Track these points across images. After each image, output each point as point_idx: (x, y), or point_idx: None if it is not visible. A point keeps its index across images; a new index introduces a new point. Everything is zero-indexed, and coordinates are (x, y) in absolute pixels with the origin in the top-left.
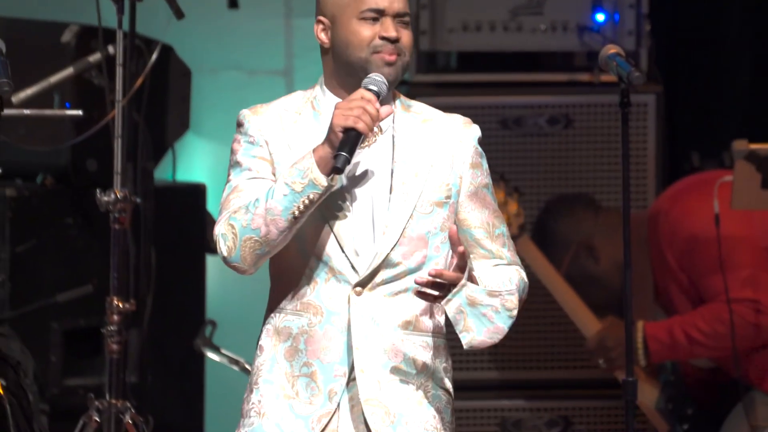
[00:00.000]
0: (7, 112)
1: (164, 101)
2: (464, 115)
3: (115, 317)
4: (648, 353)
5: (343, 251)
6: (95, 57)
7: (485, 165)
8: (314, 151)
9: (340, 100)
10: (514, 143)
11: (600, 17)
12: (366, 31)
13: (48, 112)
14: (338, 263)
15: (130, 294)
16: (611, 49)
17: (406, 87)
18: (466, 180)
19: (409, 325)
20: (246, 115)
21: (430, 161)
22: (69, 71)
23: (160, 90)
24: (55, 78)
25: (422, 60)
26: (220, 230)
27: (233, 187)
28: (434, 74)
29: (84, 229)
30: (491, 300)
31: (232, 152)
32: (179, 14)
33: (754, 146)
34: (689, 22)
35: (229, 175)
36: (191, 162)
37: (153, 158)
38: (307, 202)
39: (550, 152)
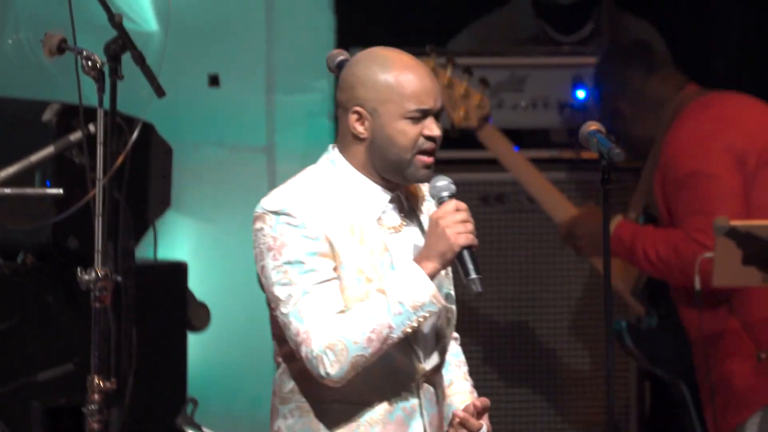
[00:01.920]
0: None
1: (145, 179)
2: None
3: (96, 396)
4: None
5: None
6: (76, 135)
7: None
8: (421, 265)
9: (371, 183)
10: (495, 220)
11: (580, 94)
12: (412, 131)
13: (29, 190)
14: (403, 350)
15: (111, 372)
16: (591, 126)
17: None
18: None
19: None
20: (291, 206)
21: None
22: (50, 150)
23: (141, 168)
24: (35, 157)
25: None
26: (319, 346)
27: (306, 292)
28: None
29: (65, 308)
30: None
31: (282, 245)
32: (160, 92)
33: (734, 222)
34: None
35: (285, 271)
36: (173, 240)
37: (134, 236)
38: (422, 319)
39: (531, 229)
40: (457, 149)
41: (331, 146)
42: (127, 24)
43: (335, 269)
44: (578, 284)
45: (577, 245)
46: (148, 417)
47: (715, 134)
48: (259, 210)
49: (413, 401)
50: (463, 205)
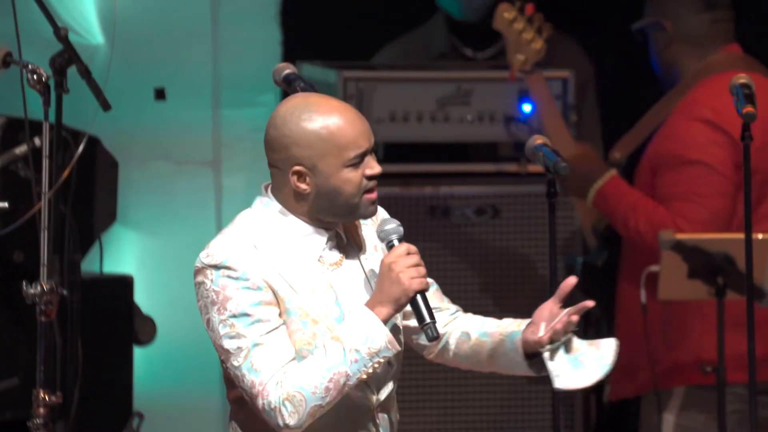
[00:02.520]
0: None
1: (91, 193)
2: (392, 205)
3: (42, 410)
4: (594, 197)
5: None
6: (21, 149)
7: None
8: (375, 311)
9: (308, 226)
10: (441, 233)
11: (527, 108)
12: (355, 176)
13: None
14: (357, 385)
15: (57, 386)
16: (538, 140)
17: None
18: None
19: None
20: (231, 258)
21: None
22: None
23: (87, 181)
24: None
25: None
26: (277, 397)
27: (256, 344)
28: None
29: (10, 322)
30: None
31: (225, 298)
32: (106, 106)
33: (680, 236)
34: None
35: (231, 324)
36: (119, 253)
37: (80, 250)
38: (377, 365)
39: (478, 242)
40: (404, 163)
41: (263, 187)
42: (72, 37)
43: (280, 315)
44: (525, 296)
45: (565, 184)
46: (94, 431)
47: (724, 130)
48: (198, 264)
49: None
50: (413, 248)
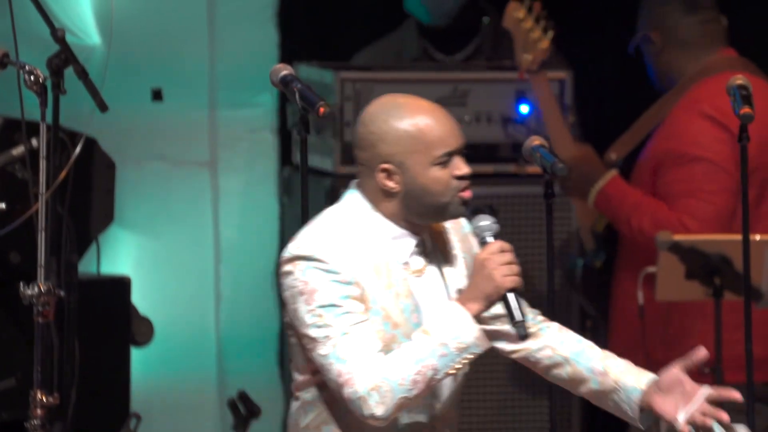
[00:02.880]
0: None
1: (88, 193)
2: None
3: (39, 411)
4: (596, 198)
5: None
6: (18, 150)
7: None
8: (466, 306)
9: (398, 228)
10: None
11: (524, 109)
12: (444, 175)
13: None
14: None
15: (54, 387)
16: (535, 141)
17: (330, 179)
18: None
19: None
20: (322, 251)
21: (463, 268)
22: None
23: (84, 182)
24: None
25: (346, 152)
26: (364, 387)
27: (344, 333)
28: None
29: (7, 323)
30: None
31: (313, 289)
32: (103, 107)
33: (677, 237)
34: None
35: (320, 315)
36: (116, 254)
37: (77, 251)
38: (465, 361)
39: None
40: None
41: (352, 184)
42: (69, 38)
43: (365, 312)
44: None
45: (565, 185)
46: (91, 431)
47: (727, 127)
48: (287, 255)
49: None
50: (508, 246)
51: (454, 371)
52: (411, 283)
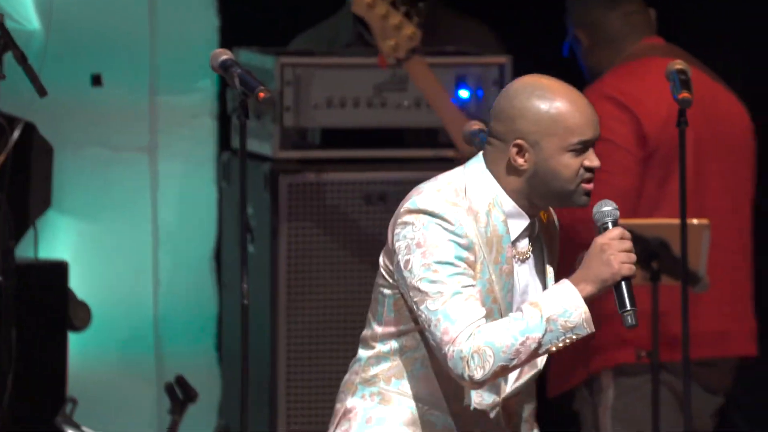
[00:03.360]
0: None
1: (26, 179)
2: (328, 191)
3: None
4: None
5: None
6: None
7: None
8: (578, 287)
9: (516, 206)
10: (378, 219)
11: (464, 93)
12: (575, 163)
13: None
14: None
15: None
16: (474, 125)
17: (269, 163)
18: None
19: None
20: (448, 211)
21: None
22: None
23: (22, 168)
24: None
25: (286, 136)
26: (468, 348)
27: (456, 293)
28: (298, 151)
29: None
30: None
31: (433, 245)
32: (42, 92)
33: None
34: None
35: (435, 270)
36: (54, 239)
37: (14, 236)
38: (568, 341)
39: None
40: (341, 149)
41: (481, 155)
42: (8, 23)
43: (474, 279)
44: None
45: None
46: (28, 417)
47: (628, 108)
48: (411, 206)
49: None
50: (627, 234)
51: (555, 349)
52: (514, 264)
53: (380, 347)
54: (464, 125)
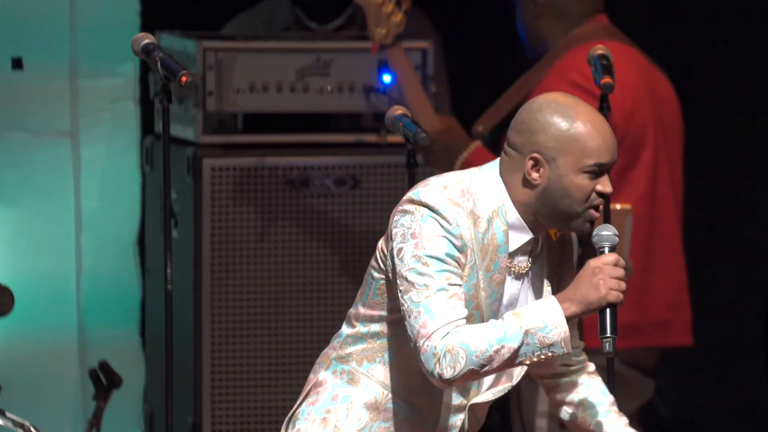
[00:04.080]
0: None
1: None
2: (251, 176)
3: None
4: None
5: None
6: None
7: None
8: (563, 305)
9: (521, 219)
10: (301, 204)
11: (386, 78)
12: (588, 186)
13: None
14: None
15: None
16: (397, 110)
17: (192, 148)
18: None
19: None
20: (448, 210)
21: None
22: None
23: None
24: None
25: (208, 121)
26: (442, 346)
27: (441, 288)
28: (220, 135)
29: None
30: None
31: (428, 238)
32: None
33: None
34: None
35: (425, 263)
36: None
37: None
38: (544, 357)
39: (338, 213)
40: (263, 134)
41: (498, 161)
42: None
43: (461, 280)
44: None
45: (429, 158)
46: None
47: (593, 94)
48: (414, 197)
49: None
50: (622, 262)
51: (529, 362)
52: (507, 276)
53: (360, 327)
54: (389, 111)
